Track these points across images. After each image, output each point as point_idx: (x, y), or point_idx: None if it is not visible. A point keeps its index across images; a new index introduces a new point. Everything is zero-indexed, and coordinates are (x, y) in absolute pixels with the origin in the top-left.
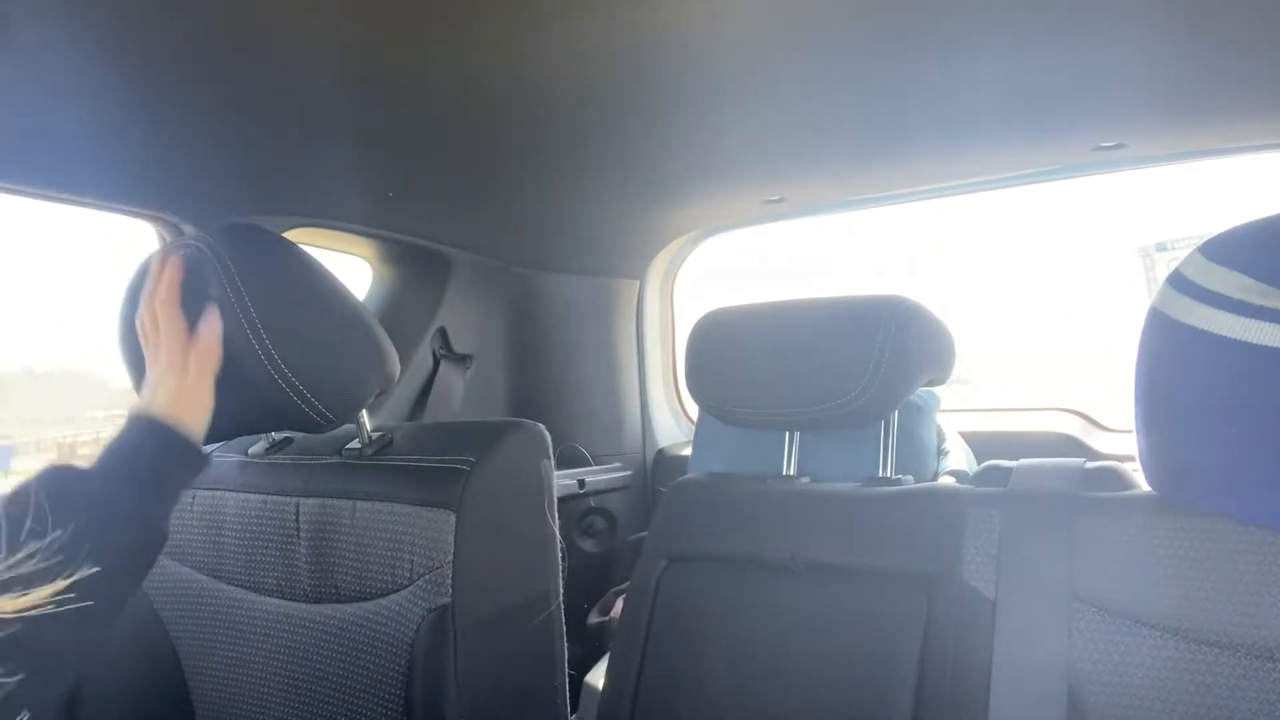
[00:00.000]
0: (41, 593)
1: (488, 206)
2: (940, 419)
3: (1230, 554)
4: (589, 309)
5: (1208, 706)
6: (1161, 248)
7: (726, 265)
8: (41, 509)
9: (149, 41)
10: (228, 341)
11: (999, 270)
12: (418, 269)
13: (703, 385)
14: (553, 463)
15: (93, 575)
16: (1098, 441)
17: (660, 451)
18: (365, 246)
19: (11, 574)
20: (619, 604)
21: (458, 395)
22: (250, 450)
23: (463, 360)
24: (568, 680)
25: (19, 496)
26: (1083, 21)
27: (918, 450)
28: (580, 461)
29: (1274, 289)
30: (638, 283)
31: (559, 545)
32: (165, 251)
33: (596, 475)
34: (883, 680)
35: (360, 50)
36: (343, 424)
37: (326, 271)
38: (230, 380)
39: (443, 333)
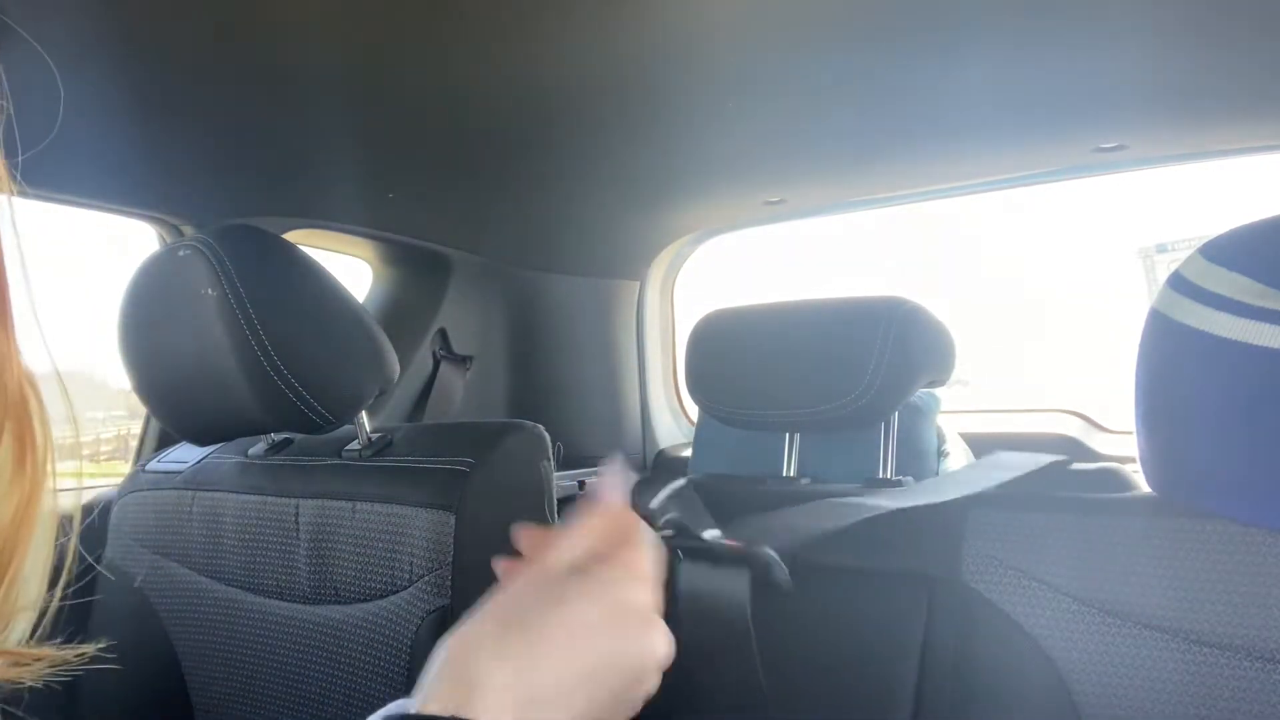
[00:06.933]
0: None
1: (488, 207)
2: (941, 420)
3: (1231, 556)
4: (589, 310)
5: (1208, 709)
6: (1162, 249)
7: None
8: None
9: (149, 42)
10: (227, 342)
11: (999, 272)
12: (418, 270)
13: (703, 386)
14: (553, 464)
15: None
16: (1098, 443)
17: (660, 453)
18: (365, 247)
19: None
20: None
21: (457, 396)
22: (250, 451)
23: (463, 361)
24: None
25: None
26: (1083, 22)
27: (918, 451)
28: (574, 463)
29: (1273, 290)
30: (638, 284)
31: None
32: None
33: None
34: (883, 682)
35: (361, 51)
36: (342, 425)
37: (326, 273)
38: (230, 381)
39: (443, 334)
